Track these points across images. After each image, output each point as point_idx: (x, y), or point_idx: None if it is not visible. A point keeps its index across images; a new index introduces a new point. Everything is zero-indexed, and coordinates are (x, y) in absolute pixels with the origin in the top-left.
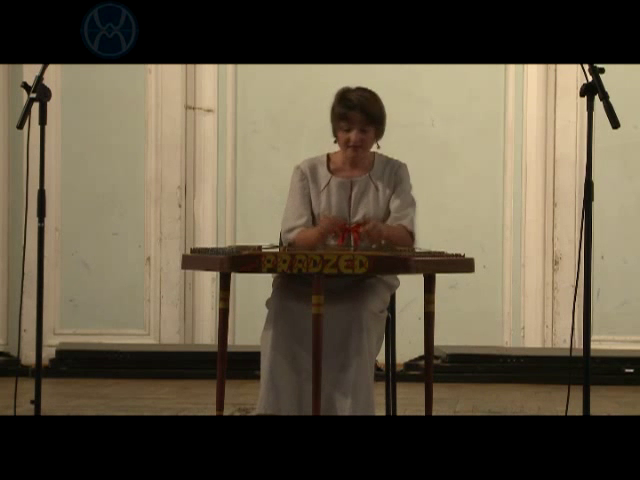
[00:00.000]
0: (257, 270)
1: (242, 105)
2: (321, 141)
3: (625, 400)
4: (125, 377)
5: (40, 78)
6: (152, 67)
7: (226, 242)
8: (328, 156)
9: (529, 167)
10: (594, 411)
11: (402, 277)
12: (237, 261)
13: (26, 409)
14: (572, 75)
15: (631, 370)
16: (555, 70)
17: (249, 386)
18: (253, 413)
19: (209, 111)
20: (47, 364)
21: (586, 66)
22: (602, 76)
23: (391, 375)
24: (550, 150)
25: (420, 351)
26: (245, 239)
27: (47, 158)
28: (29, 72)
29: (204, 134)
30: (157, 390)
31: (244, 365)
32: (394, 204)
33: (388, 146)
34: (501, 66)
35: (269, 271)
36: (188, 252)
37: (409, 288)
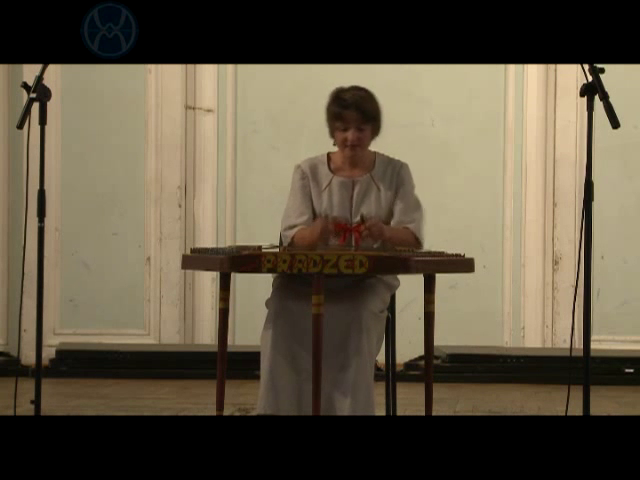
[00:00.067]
0: (257, 270)
1: (242, 105)
2: (321, 141)
3: (625, 400)
4: (125, 377)
5: (40, 78)
6: (152, 67)
7: (226, 242)
8: (328, 155)
9: (529, 167)
10: (594, 411)
11: (402, 277)
12: (237, 261)
13: (26, 409)
14: (572, 75)
15: (631, 370)
16: (555, 70)
17: (249, 386)
18: (253, 413)
19: (209, 111)
20: (47, 364)
21: (586, 66)
22: (602, 76)
23: (391, 375)
24: (550, 150)
25: (420, 351)
26: (245, 239)
27: (47, 158)
28: (29, 72)
29: (204, 134)
30: (157, 390)
31: (244, 365)
32: (398, 207)
33: (388, 146)
34: (501, 66)
35: (269, 271)
36: (188, 252)
37: (409, 288)
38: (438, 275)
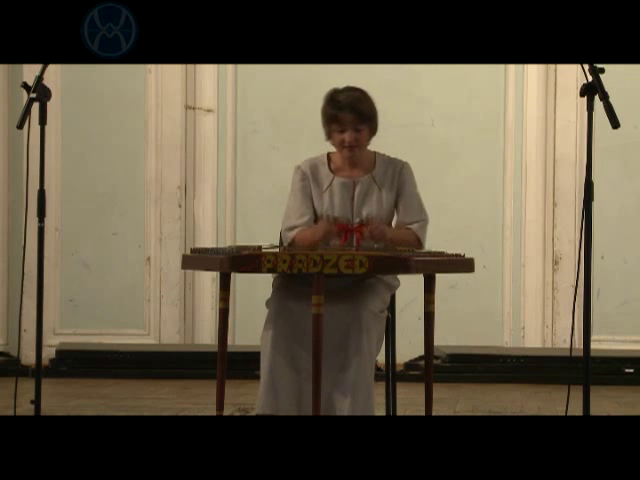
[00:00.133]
0: (257, 270)
1: (242, 105)
2: (321, 141)
3: (625, 400)
4: (125, 377)
5: (40, 78)
6: (152, 67)
7: (226, 242)
8: (328, 156)
9: (529, 167)
10: (594, 411)
11: (402, 277)
12: (237, 261)
13: (26, 409)
14: (572, 75)
15: (631, 370)
16: (555, 70)
17: (249, 386)
18: (252, 413)
19: (209, 111)
20: (47, 364)
21: (586, 66)
22: (602, 76)
23: (391, 375)
24: (550, 150)
25: (420, 351)
26: (245, 239)
27: (47, 158)
28: (29, 72)
29: (204, 134)
30: (157, 390)
31: (244, 365)
32: (400, 208)
33: (388, 146)
34: (501, 66)
35: (269, 271)
36: (188, 252)
37: (409, 288)
38: (438, 275)
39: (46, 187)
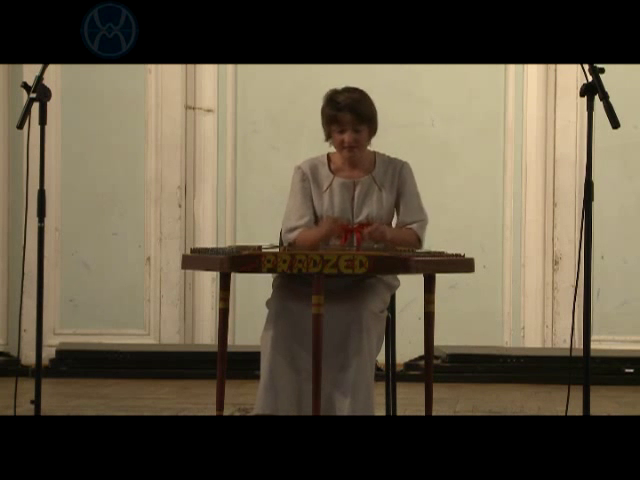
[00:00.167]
0: (257, 270)
1: (242, 105)
2: (321, 141)
3: (625, 400)
4: (125, 377)
5: (40, 78)
6: (152, 67)
7: (226, 242)
8: (328, 156)
9: (529, 167)
10: (594, 411)
11: (402, 277)
12: (237, 261)
13: (26, 409)
14: (572, 75)
15: (631, 370)
16: (555, 70)
17: (249, 386)
18: (251, 413)
19: (209, 111)
20: (47, 364)
21: (586, 66)
22: (602, 76)
23: (391, 375)
24: (550, 150)
25: (420, 351)
26: (245, 239)
27: (47, 158)
28: (29, 72)
29: (204, 134)
30: (157, 390)
31: (244, 365)
32: (401, 208)
33: (388, 146)
34: (501, 66)
35: (269, 271)
36: (188, 252)
37: (409, 288)
38: (438, 275)
39: (46, 187)
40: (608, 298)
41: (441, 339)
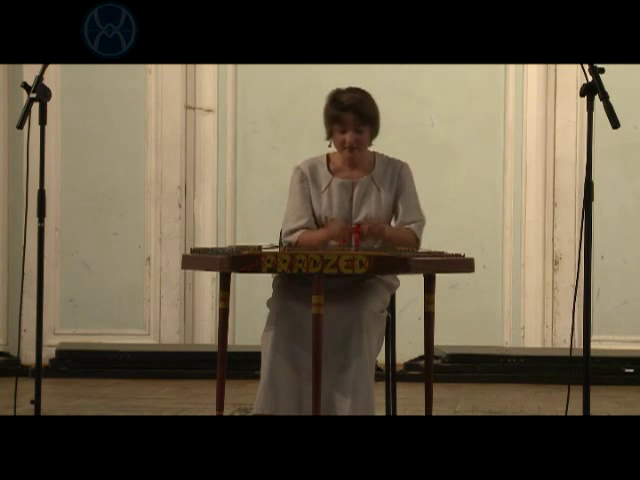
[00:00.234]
0: (257, 270)
1: (242, 105)
2: (321, 141)
3: (625, 400)
4: (125, 377)
5: (40, 78)
6: (152, 67)
7: (226, 242)
8: (328, 156)
9: (529, 167)
10: (594, 411)
11: (402, 277)
12: (237, 261)
13: (26, 409)
14: (572, 75)
15: (631, 370)
16: (555, 70)
17: (249, 386)
18: (251, 413)
19: (209, 111)
20: (47, 364)
21: (586, 66)
22: (602, 76)
23: (391, 375)
24: (550, 150)
25: (420, 351)
26: (245, 239)
27: (47, 158)
28: (29, 72)
29: (204, 134)
30: (157, 390)
31: (244, 365)
32: (400, 208)
33: (388, 146)
34: (501, 66)
35: (269, 271)
36: (188, 252)
37: (409, 288)
38: (438, 275)
39: (46, 187)
40: (608, 298)
41: (441, 339)
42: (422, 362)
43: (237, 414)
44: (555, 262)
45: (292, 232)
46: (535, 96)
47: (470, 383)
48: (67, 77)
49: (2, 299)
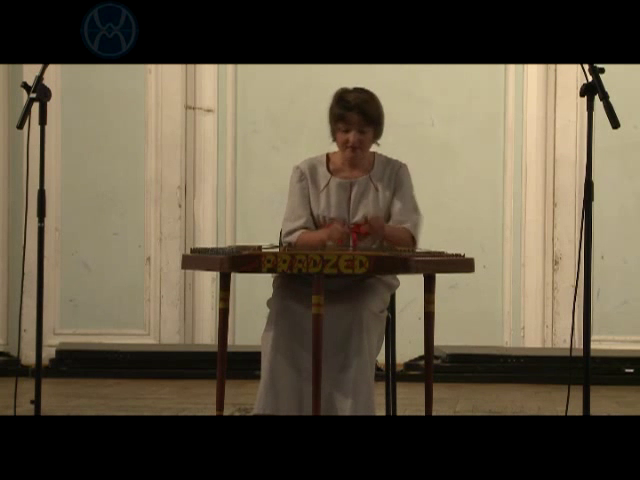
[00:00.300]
0: (257, 270)
1: (242, 105)
2: (321, 141)
3: (625, 400)
4: (125, 377)
5: (40, 78)
6: (152, 67)
7: (226, 242)
8: (327, 156)
9: (529, 167)
10: (594, 411)
11: (402, 277)
12: (237, 261)
13: (26, 409)
14: (572, 75)
15: (631, 370)
16: (555, 70)
17: (249, 386)
18: (251, 413)
19: (209, 111)
20: (47, 364)
21: (586, 66)
22: (602, 76)
23: (391, 375)
24: (550, 150)
25: (420, 351)
26: (245, 239)
27: (47, 158)
28: (29, 72)
29: (204, 134)
30: (157, 390)
31: (244, 365)
32: (395, 207)
33: (388, 146)
34: (501, 66)
35: (269, 271)
36: (188, 252)
37: (409, 288)
38: (438, 275)
39: (46, 187)
40: (608, 298)
41: (441, 339)
42: (422, 362)
43: (237, 414)
44: (555, 262)
45: (291, 232)
46: (535, 96)
47: (470, 383)
48: (67, 77)
49: (2, 299)
